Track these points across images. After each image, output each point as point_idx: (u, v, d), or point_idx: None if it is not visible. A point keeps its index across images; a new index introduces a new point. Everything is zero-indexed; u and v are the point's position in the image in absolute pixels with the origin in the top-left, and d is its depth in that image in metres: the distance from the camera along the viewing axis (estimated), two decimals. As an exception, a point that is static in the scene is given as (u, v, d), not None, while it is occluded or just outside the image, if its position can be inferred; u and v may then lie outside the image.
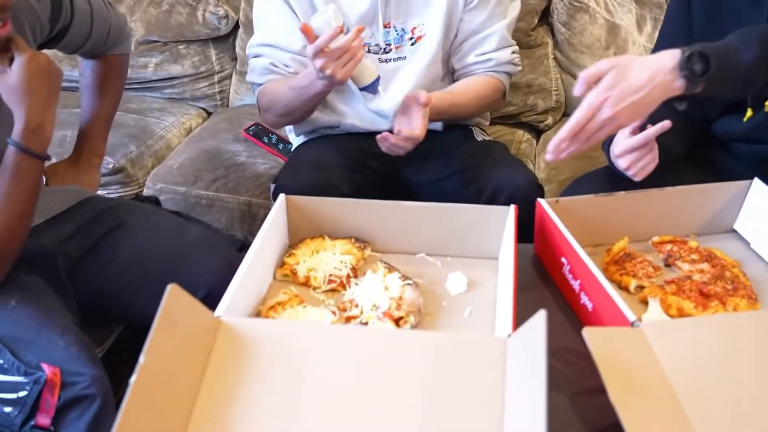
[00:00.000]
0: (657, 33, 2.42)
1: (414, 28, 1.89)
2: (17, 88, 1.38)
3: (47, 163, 1.78)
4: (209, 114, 2.83)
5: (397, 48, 1.91)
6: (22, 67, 1.37)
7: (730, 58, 1.37)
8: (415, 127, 1.76)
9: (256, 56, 1.93)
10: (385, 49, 1.90)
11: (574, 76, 2.66)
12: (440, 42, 1.91)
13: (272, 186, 1.88)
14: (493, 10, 1.94)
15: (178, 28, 2.77)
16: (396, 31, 1.89)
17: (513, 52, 2.00)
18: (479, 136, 2.07)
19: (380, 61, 1.90)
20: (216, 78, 2.83)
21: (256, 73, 1.93)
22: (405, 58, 1.92)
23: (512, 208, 1.48)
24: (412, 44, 1.91)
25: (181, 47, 2.81)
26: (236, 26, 2.79)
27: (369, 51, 1.89)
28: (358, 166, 1.87)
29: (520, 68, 2.06)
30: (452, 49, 1.98)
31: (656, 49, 1.81)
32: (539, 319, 0.99)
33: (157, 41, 2.79)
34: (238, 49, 2.80)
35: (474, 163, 1.92)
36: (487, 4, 1.93)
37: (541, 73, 2.66)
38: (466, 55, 1.97)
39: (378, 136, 1.76)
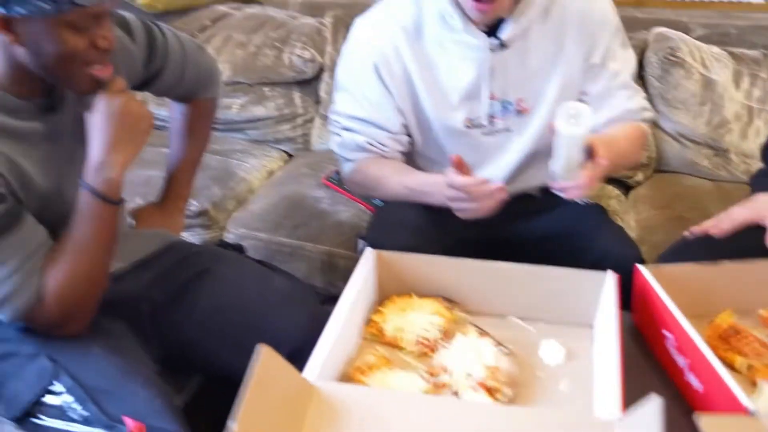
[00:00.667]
0: (754, 89, 2.51)
1: (520, 99, 1.79)
2: (92, 125, 1.38)
3: (133, 206, 1.84)
4: (290, 156, 2.83)
5: (500, 120, 1.80)
6: (102, 105, 1.37)
7: None
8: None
9: (347, 129, 1.85)
10: (490, 122, 1.80)
11: (666, 132, 2.62)
12: (549, 112, 1.77)
13: (360, 242, 1.86)
14: (614, 67, 1.82)
15: (264, 71, 2.78)
16: (501, 103, 1.79)
17: (644, 98, 1.91)
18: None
19: (483, 134, 1.81)
20: (299, 121, 2.82)
21: (348, 149, 1.86)
22: (511, 130, 1.82)
23: (611, 274, 1.45)
24: (518, 116, 1.81)
25: (265, 89, 2.81)
26: (321, 70, 2.78)
27: (471, 126, 1.81)
28: (449, 225, 1.75)
29: (652, 114, 1.96)
30: None
31: None
32: (654, 408, 0.96)
33: (242, 83, 2.80)
34: (322, 93, 2.78)
35: (574, 229, 1.82)
36: (604, 66, 1.80)
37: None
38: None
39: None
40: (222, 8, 2.94)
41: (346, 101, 1.85)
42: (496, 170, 1.83)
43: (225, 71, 2.76)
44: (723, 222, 1.66)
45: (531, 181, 1.88)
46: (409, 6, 1.77)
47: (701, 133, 2.56)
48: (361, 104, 1.82)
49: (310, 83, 2.81)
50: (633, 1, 2.82)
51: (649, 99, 2.48)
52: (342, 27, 2.70)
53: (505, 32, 1.72)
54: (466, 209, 1.61)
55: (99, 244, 1.41)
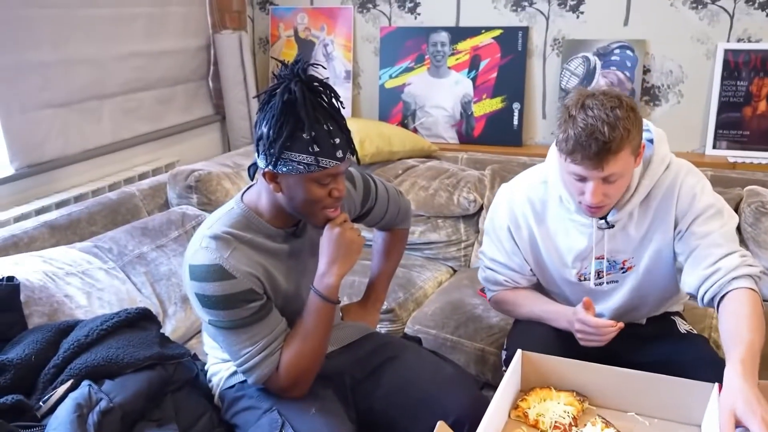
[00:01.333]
0: None
1: (625, 260, 1.67)
2: (321, 246, 1.42)
3: (343, 304, 1.85)
4: (455, 271, 2.76)
5: (608, 274, 1.68)
6: (328, 232, 1.41)
7: None
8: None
9: (490, 268, 1.79)
10: (597, 275, 1.68)
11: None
12: (648, 269, 1.65)
13: (504, 353, 1.78)
14: (702, 229, 1.55)
15: (439, 207, 2.76)
16: (608, 262, 1.66)
17: (742, 256, 1.52)
18: (682, 327, 1.77)
19: (596, 285, 1.69)
20: (462, 245, 2.79)
21: (490, 283, 1.81)
22: (617, 282, 1.70)
23: (716, 386, 1.34)
24: (623, 272, 1.68)
25: (439, 221, 2.79)
26: (481, 208, 2.75)
27: (582, 279, 1.71)
28: (570, 343, 1.62)
29: (758, 267, 1.52)
30: (680, 269, 1.63)
31: None
32: None
33: (422, 215, 2.79)
34: (480, 225, 2.73)
35: (676, 359, 1.63)
36: (690, 230, 1.56)
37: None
38: (692, 270, 1.55)
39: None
40: (410, 161, 2.96)
41: (490, 245, 1.80)
42: (604, 308, 1.75)
43: (413, 207, 2.73)
44: None
45: (636, 316, 1.76)
46: (539, 186, 1.69)
47: None
48: (499, 250, 1.77)
49: (472, 217, 2.78)
50: (728, 164, 2.70)
51: (743, 241, 2.34)
52: (497, 178, 2.68)
53: (612, 217, 1.61)
54: (590, 340, 1.55)
55: (320, 332, 1.43)
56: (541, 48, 2.94)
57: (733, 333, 1.38)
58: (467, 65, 3.03)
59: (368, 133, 2.84)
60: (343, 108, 1.39)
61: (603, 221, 1.62)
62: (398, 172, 2.88)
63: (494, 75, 3.00)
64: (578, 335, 1.57)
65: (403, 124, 3.15)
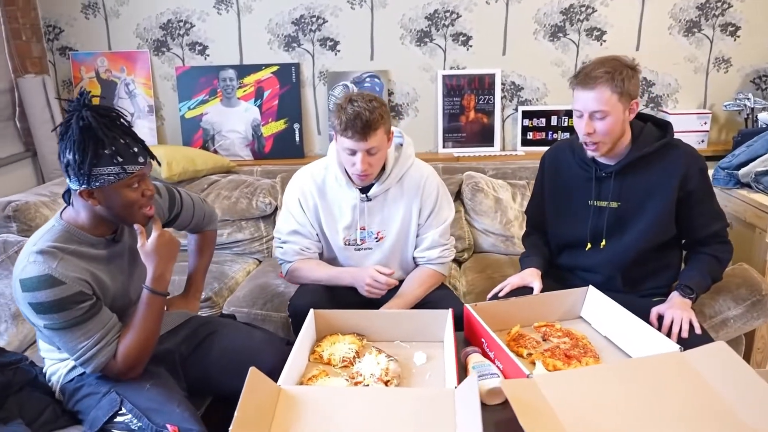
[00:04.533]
0: (523, 201, 2.39)
1: (378, 231, 1.77)
2: (151, 252, 1.38)
3: (168, 297, 1.77)
4: (260, 262, 2.64)
5: (363, 242, 1.77)
6: (155, 239, 1.38)
7: (703, 285, 1.56)
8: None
9: (285, 241, 1.78)
10: (358, 243, 1.78)
11: (477, 229, 2.51)
12: (393, 241, 1.78)
13: (289, 304, 1.81)
14: (430, 222, 1.79)
15: (241, 211, 2.66)
16: (367, 232, 1.76)
17: (442, 250, 1.79)
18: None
19: (356, 250, 1.78)
20: (264, 240, 2.68)
21: (289, 255, 1.78)
22: (371, 249, 1.79)
23: (450, 312, 1.48)
24: (377, 241, 1.78)
25: (242, 222, 2.68)
26: (275, 209, 2.68)
27: (348, 244, 1.77)
28: (339, 296, 1.73)
29: (449, 258, 1.81)
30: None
31: (527, 212, 1.89)
32: (473, 379, 1.02)
33: (228, 219, 2.66)
34: (276, 223, 2.40)
35: (429, 298, 1.76)
36: (428, 224, 1.77)
37: (456, 234, 2.60)
38: (417, 249, 1.80)
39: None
40: (213, 177, 2.79)
41: (285, 221, 1.79)
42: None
43: (218, 213, 2.52)
44: (506, 287, 1.67)
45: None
46: (321, 170, 1.75)
47: (496, 229, 2.51)
48: (292, 222, 1.77)
49: (269, 217, 2.70)
50: (453, 158, 2.83)
51: (466, 211, 2.52)
52: (286, 183, 2.33)
53: (372, 192, 1.71)
54: (374, 293, 1.64)
55: (152, 321, 1.40)
56: (311, 79, 2.92)
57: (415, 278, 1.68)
58: (253, 95, 2.94)
59: (174, 156, 2.69)
60: (132, 126, 1.36)
61: (365, 196, 1.69)
62: (204, 186, 2.73)
63: (276, 102, 2.94)
64: (366, 288, 1.63)
65: (205, 147, 3.00)
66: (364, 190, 1.72)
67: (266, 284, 2.27)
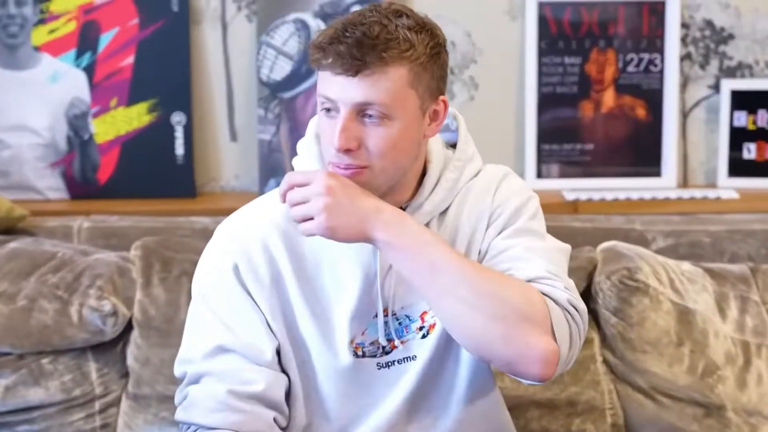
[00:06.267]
0: (746, 317, 2.45)
1: (424, 313, 1.81)
2: None
3: None
4: None
5: (402, 342, 1.80)
6: None
7: None
8: None
9: (199, 377, 1.73)
10: (384, 348, 1.81)
11: (634, 386, 2.44)
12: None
13: None
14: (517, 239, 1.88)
15: (42, 334, 2.37)
16: (398, 318, 1.82)
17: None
18: None
19: (380, 367, 1.82)
20: (97, 405, 2.39)
21: (205, 409, 1.69)
22: (414, 359, 1.82)
23: None
24: (423, 337, 1.82)
25: (44, 361, 2.39)
26: (129, 326, 2.41)
27: (362, 354, 1.82)
28: None
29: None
30: None
31: None
32: None
33: (7, 353, 2.39)
34: (130, 362, 2.40)
35: None
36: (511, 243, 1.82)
37: (587, 385, 2.40)
38: None
39: None
40: None
41: (200, 327, 1.79)
42: (382, 413, 1.86)
43: None
44: None
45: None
46: (280, 204, 1.77)
47: (680, 384, 2.35)
48: (223, 325, 1.76)
49: (113, 347, 2.42)
50: (564, 203, 2.75)
51: (606, 341, 2.47)
52: (156, 262, 2.44)
53: None
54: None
55: None
56: (217, 6, 2.85)
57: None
58: (74, 43, 2.82)
59: None
60: None
61: None
62: None
63: (130, 60, 2.83)
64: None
65: None
66: None
67: None
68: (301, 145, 1.83)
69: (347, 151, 1.60)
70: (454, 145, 1.83)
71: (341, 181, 1.63)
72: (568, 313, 1.65)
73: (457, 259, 1.66)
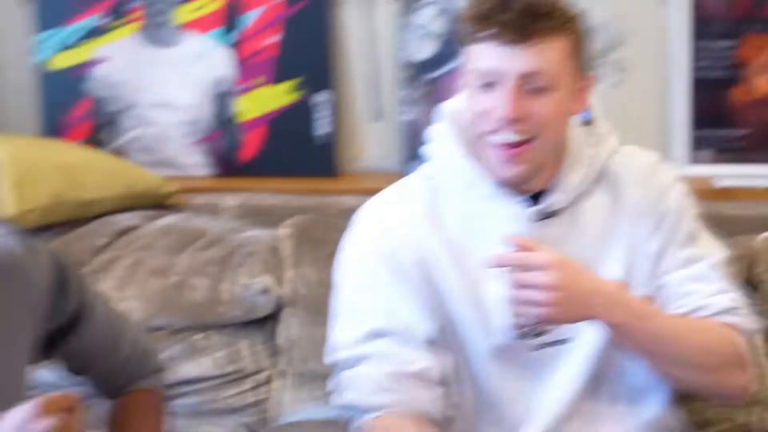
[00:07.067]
0: None
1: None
2: None
3: None
4: None
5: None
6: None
7: None
8: None
9: (357, 360, 1.76)
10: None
11: None
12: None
13: None
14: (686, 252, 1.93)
15: (194, 310, 2.44)
16: None
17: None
18: None
19: (535, 348, 1.85)
20: (249, 381, 2.45)
21: (365, 391, 1.72)
22: (570, 340, 1.87)
23: None
24: None
25: (198, 337, 2.46)
26: (279, 306, 2.48)
27: (522, 335, 1.83)
28: None
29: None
30: None
31: None
32: None
33: (161, 327, 2.45)
34: (282, 340, 2.46)
35: None
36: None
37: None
38: None
39: None
40: (122, 218, 2.59)
41: (354, 314, 1.83)
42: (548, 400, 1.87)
43: (135, 312, 2.43)
44: None
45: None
46: (423, 184, 1.86)
47: None
48: (378, 309, 1.80)
49: (264, 324, 2.47)
50: (717, 191, 2.72)
51: None
52: (307, 242, 2.48)
53: (553, 201, 1.79)
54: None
55: None
56: None
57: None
58: (219, 20, 2.87)
59: (35, 164, 2.61)
60: None
61: (536, 209, 1.76)
62: (98, 243, 2.56)
63: (276, 39, 2.86)
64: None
65: (96, 142, 2.93)
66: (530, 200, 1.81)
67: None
68: (435, 130, 1.85)
69: (514, 122, 1.62)
70: (584, 125, 1.85)
71: (568, 270, 1.63)
72: (755, 342, 1.81)
73: (672, 325, 1.74)
